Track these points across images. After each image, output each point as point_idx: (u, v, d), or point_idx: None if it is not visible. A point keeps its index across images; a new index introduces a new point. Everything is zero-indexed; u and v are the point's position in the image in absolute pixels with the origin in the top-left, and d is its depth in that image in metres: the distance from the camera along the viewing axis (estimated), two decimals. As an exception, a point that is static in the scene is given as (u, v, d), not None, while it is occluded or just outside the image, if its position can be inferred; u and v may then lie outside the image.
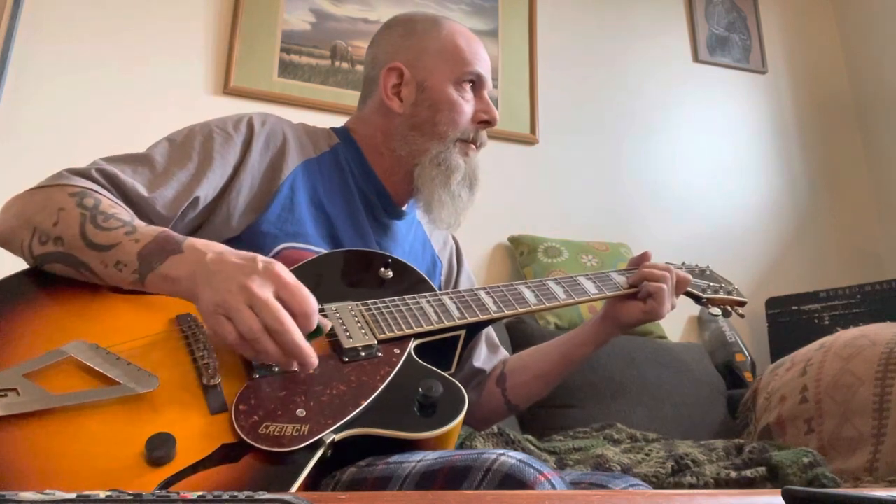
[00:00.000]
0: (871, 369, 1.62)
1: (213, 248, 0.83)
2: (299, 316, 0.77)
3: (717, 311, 1.35)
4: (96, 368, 0.74)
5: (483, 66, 1.20)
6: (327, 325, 0.84)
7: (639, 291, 1.20)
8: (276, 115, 1.17)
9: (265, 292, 0.76)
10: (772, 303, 2.70)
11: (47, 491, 0.43)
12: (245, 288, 0.75)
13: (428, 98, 1.16)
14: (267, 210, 1.05)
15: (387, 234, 1.20)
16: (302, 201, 1.08)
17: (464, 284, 1.35)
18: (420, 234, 1.31)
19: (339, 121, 1.29)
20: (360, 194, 1.17)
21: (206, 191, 1.01)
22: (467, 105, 1.17)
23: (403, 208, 1.23)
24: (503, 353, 1.36)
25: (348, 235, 1.12)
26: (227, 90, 2.29)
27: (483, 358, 1.32)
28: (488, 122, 1.19)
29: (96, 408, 0.71)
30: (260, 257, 0.80)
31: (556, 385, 1.29)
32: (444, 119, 1.15)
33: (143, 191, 0.96)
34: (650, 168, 2.87)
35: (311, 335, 0.79)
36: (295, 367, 0.78)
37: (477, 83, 1.19)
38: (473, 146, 1.20)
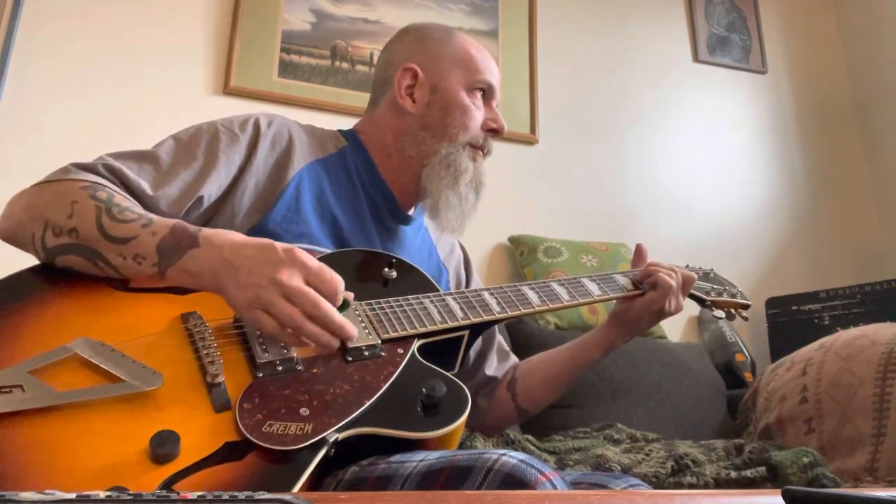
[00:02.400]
0: (871, 369, 1.62)
1: (228, 240, 0.84)
2: (329, 297, 0.80)
3: (720, 313, 1.36)
4: (101, 366, 0.74)
5: (494, 78, 1.22)
6: (351, 296, 0.86)
7: (644, 292, 1.20)
8: (283, 115, 1.18)
9: (296, 280, 0.78)
10: (772, 303, 2.70)
11: (47, 491, 0.43)
12: (276, 281, 0.78)
13: (441, 100, 1.18)
14: (272, 210, 1.05)
15: (392, 239, 1.20)
16: (307, 202, 1.09)
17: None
18: (427, 241, 1.31)
19: (338, 121, 1.29)
20: (366, 197, 1.18)
21: (210, 190, 1.02)
22: (478, 112, 1.19)
23: (410, 213, 1.24)
24: (513, 359, 1.36)
25: (354, 237, 1.13)
26: (227, 90, 2.29)
27: (494, 366, 1.32)
28: (496, 131, 1.21)
29: (101, 405, 0.71)
30: (278, 244, 0.81)
31: (564, 390, 1.30)
32: (456, 122, 1.17)
33: (147, 189, 0.96)
34: (650, 168, 2.87)
35: (339, 310, 0.82)
36: (337, 345, 0.81)
37: (487, 93, 1.22)
38: (481, 152, 1.21)
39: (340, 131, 1.24)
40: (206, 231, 0.86)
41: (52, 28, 2.15)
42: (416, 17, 2.50)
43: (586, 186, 2.73)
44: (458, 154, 1.16)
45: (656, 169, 2.88)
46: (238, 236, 0.85)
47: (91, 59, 2.17)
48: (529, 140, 2.68)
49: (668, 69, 3.04)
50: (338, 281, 0.81)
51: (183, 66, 2.28)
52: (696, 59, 3.11)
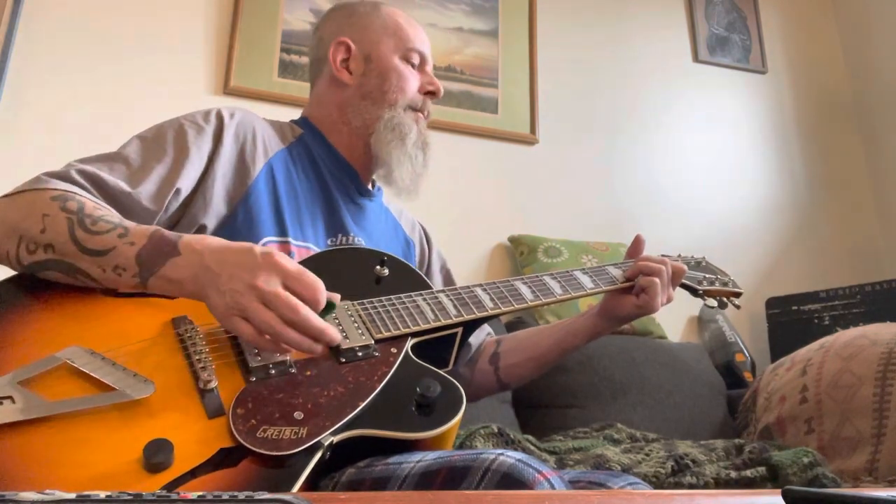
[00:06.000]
0: (871, 369, 1.62)
1: (208, 245, 0.83)
2: (310, 301, 0.78)
3: (713, 302, 1.36)
4: (92, 374, 0.73)
5: (424, 46, 1.27)
6: (336, 297, 0.84)
7: (635, 294, 1.20)
8: (244, 108, 1.19)
9: (273, 285, 0.77)
10: (772, 303, 2.69)
11: (47, 491, 0.43)
12: (253, 286, 0.76)
13: (375, 68, 1.22)
14: (244, 200, 1.06)
15: (363, 215, 1.23)
16: (279, 191, 1.10)
17: (436, 263, 1.38)
18: (390, 219, 1.34)
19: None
20: (332, 177, 1.20)
21: (185, 182, 1.02)
22: (412, 76, 1.23)
23: (370, 187, 1.27)
24: (487, 328, 1.37)
25: (324, 221, 1.15)
26: (227, 90, 2.29)
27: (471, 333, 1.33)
28: (433, 94, 1.25)
29: (93, 414, 0.71)
30: (256, 248, 0.80)
31: (548, 369, 1.32)
32: (393, 87, 1.21)
33: (125, 187, 0.95)
34: (650, 168, 2.87)
35: (324, 312, 0.80)
36: (319, 350, 0.79)
37: (421, 60, 1.25)
38: (422, 115, 1.25)
39: (293, 120, 1.27)
40: (187, 237, 0.85)
41: (51, 29, 2.15)
42: (416, 17, 2.50)
43: (586, 186, 2.73)
44: (400, 117, 1.20)
45: (656, 169, 2.87)
46: (218, 241, 0.84)
47: (90, 59, 2.17)
48: (529, 140, 2.67)
49: (668, 69, 3.04)
50: (317, 284, 0.79)
51: (183, 66, 2.28)
52: (696, 59, 3.10)
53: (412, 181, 1.22)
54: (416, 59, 1.24)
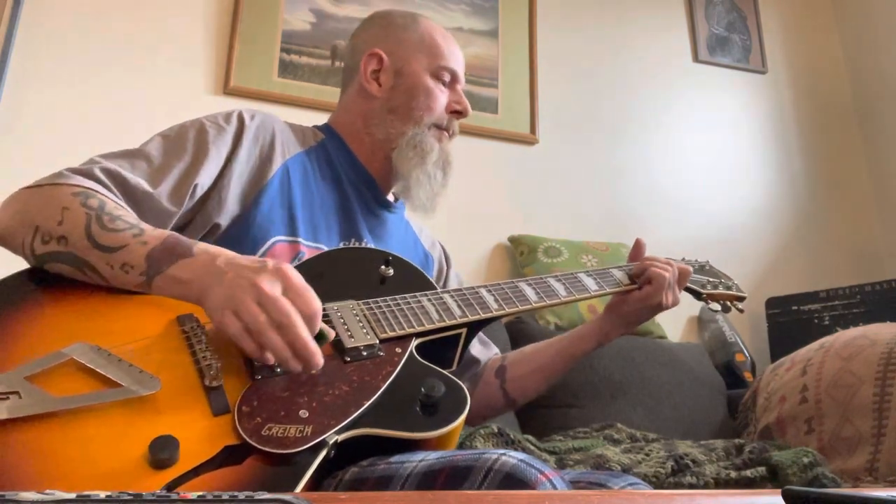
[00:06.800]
0: (871, 369, 1.62)
1: (223, 251, 0.84)
2: (305, 316, 0.77)
3: (716, 306, 1.36)
4: (98, 370, 0.73)
5: (458, 64, 1.26)
6: (331, 333, 0.83)
7: (640, 286, 1.21)
8: (265, 111, 1.19)
9: (274, 289, 0.76)
10: (772, 303, 2.70)
11: (47, 491, 0.43)
12: (254, 284, 0.76)
13: (405, 83, 1.21)
14: (259, 201, 1.06)
15: (380, 225, 1.23)
16: (294, 192, 1.11)
17: (452, 281, 1.38)
18: (410, 232, 1.34)
19: (339, 121, 1.29)
20: (350, 185, 1.20)
21: (203, 179, 1.02)
22: (441, 94, 1.23)
23: (389, 198, 1.27)
24: (494, 348, 1.38)
25: (339, 226, 1.15)
26: (227, 90, 2.29)
27: (478, 348, 1.33)
28: (460, 113, 1.25)
29: (98, 410, 0.71)
30: (270, 260, 0.80)
31: (555, 381, 1.30)
32: (420, 104, 1.20)
33: (147, 186, 0.96)
34: (650, 168, 2.87)
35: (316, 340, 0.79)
36: (298, 368, 0.77)
37: (452, 77, 1.25)
38: (446, 133, 1.25)
39: (316, 126, 1.27)
40: (203, 244, 0.86)
41: (51, 29, 2.15)
42: (416, 17, 2.51)
43: (586, 186, 2.73)
44: (423, 135, 1.20)
45: (656, 169, 2.88)
46: (234, 253, 0.85)
47: (91, 60, 2.17)
48: (529, 140, 2.67)
49: (668, 69, 3.04)
50: (316, 303, 0.79)
51: (183, 67, 2.28)
52: (696, 59, 3.10)
53: (429, 200, 1.22)
54: (446, 77, 1.23)
